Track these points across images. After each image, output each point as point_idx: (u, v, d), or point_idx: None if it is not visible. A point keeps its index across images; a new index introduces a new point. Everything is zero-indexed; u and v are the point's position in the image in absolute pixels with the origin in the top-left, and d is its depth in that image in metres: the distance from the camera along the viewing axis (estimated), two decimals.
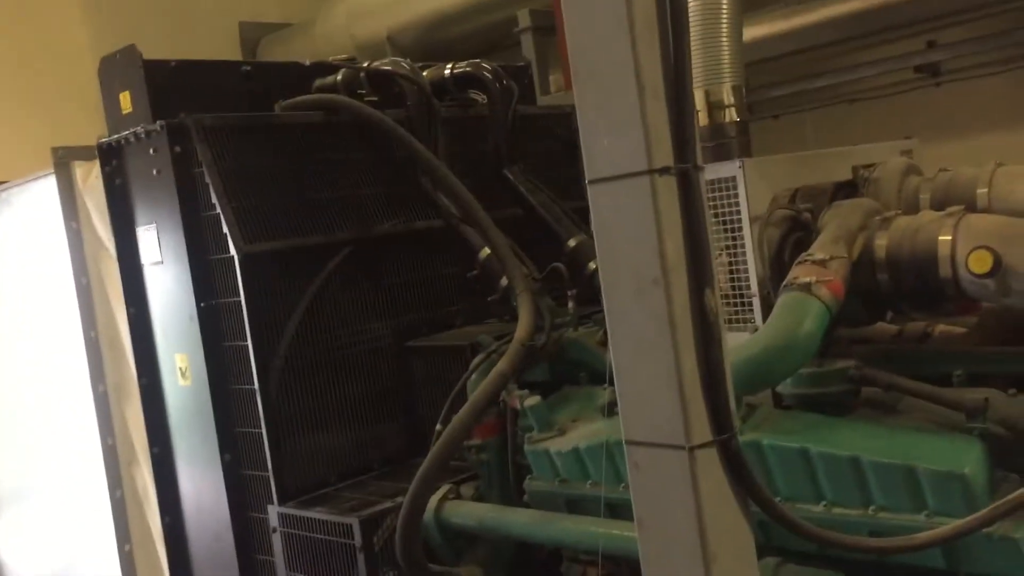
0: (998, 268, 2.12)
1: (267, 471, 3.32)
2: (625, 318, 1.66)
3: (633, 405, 1.68)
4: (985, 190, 2.52)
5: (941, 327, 2.74)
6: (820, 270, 2.29)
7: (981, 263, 2.12)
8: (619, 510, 2.54)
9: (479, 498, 3.13)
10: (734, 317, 2.66)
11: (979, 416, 2.11)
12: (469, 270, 3.67)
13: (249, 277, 3.28)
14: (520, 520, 2.86)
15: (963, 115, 5.81)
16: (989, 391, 2.22)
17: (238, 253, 3.23)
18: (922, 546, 1.89)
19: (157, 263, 3.51)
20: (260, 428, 3.31)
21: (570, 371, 3.24)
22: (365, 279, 3.61)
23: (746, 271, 2.60)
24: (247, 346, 3.28)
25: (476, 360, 3.22)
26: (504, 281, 3.47)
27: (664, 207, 1.58)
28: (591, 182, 1.68)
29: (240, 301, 3.28)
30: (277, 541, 3.32)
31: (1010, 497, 1.86)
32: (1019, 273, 2.13)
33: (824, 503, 2.24)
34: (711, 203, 2.67)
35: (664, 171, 1.59)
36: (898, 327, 2.82)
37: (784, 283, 2.31)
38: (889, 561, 2.23)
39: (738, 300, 2.64)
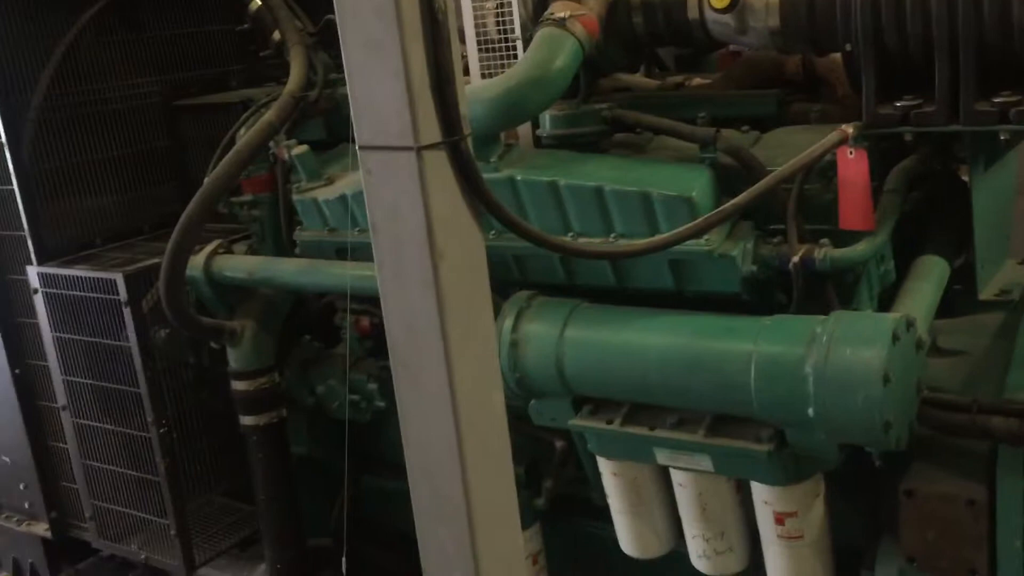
0: (736, 3, 2.20)
1: (23, 230, 3.16)
2: (355, 19, 1.62)
3: (364, 109, 1.67)
4: None
5: (697, 80, 2.85)
6: (575, 5, 2.31)
7: None
8: None
9: (252, 254, 3.11)
10: (501, 62, 2.66)
11: (709, 147, 2.24)
12: (241, 24, 3.48)
13: None
14: (288, 269, 2.87)
15: None
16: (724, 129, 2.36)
17: None
18: (643, 251, 2.03)
19: None
20: (11, 185, 3.12)
21: (346, 128, 3.18)
22: (127, 30, 3.37)
23: (511, 15, 2.58)
24: None
25: (245, 114, 3.12)
26: (277, 35, 3.31)
27: None
28: None
29: None
30: (39, 302, 3.21)
31: (719, 209, 2.02)
32: (755, 9, 2.22)
33: (572, 234, 2.35)
34: None
35: None
36: (658, 81, 2.92)
37: (541, 17, 2.32)
38: (628, 288, 2.40)
39: (504, 44, 2.63)
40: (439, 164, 1.66)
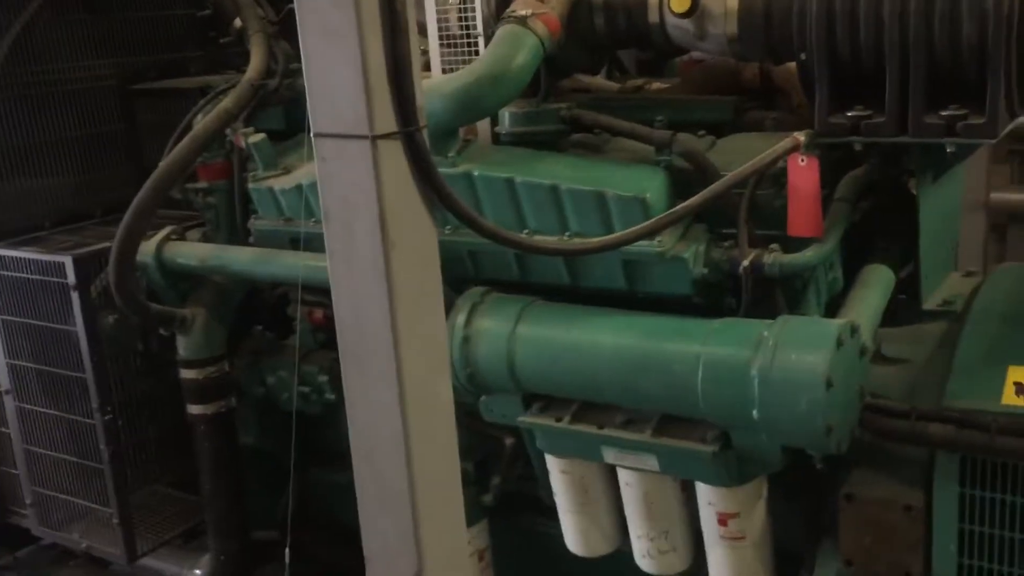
0: (695, 8, 2.22)
1: None
2: (313, 6, 1.62)
3: (320, 97, 1.66)
4: None
5: (656, 84, 2.88)
6: (537, 3, 2.32)
7: (680, 3, 2.21)
8: None
9: (206, 241, 3.08)
10: (462, 58, 2.66)
11: (665, 149, 2.26)
12: (202, 10, 3.45)
13: None
14: (240, 258, 2.85)
15: None
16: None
17: None
18: (596, 249, 2.05)
19: None
20: None
21: (305, 118, 3.17)
22: (85, 10, 3.32)
23: (474, 11, 2.59)
24: None
25: (203, 100, 3.09)
26: (238, 22, 3.29)
27: None
28: None
29: None
30: None
31: (671, 211, 2.04)
32: (714, 16, 2.24)
33: (527, 231, 2.36)
34: None
35: None
36: (618, 84, 2.94)
37: (503, 14, 2.33)
38: (581, 287, 2.41)
39: (465, 40, 2.63)
40: (394, 154, 1.66)
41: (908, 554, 2.17)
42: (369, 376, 1.74)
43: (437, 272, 1.77)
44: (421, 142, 1.67)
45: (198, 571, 3.25)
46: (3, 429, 3.36)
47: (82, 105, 3.33)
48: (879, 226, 2.43)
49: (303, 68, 1.66)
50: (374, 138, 1.62)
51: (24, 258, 3.04)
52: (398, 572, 1.80)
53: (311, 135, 1.69)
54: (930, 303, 2.46)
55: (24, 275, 3.06)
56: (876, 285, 2.31)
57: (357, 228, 1.68)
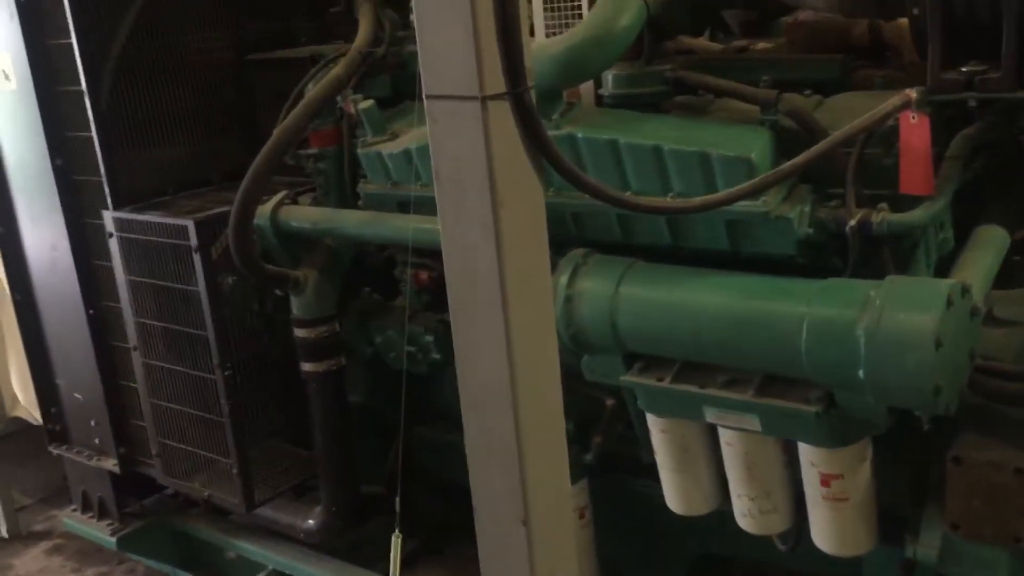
0: None
1: (100, 176, 3.28)
2: None
3: (433, 59, 1.72)
4: None
5: (761, 45, 2.85)
6: None
7: None
8: None
9: (317, 205, 3.19)
10: (566, 21, 2.69)
11: (770, 109, 2.25)
12: None
13: None
14: (351, 220, 2.95)
15: None
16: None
17: None
18: (698, 208, 2.06)
19: None
20: (91, 132, 3.24)
21: (413, 86, 3.24)
22: None
23: None
24: (71, 44, 3.14)
25: (314, 69, 3.19)
26: None
27: None
28: None
29: None
30: (114, 246, 3.34)
31: (776, 170, 2.04)
32: None
33: (630, 192, 2.39)
34: None
35: None
36: (722, 45, 2.93)
37: None
38: (683, 248, 2.43)
39: (569, 3, 2.66)
40: (503, 114, 1.70)
41: (1017, 518, 2.14)
42: (478, 330, 1.80)
43: (543, 230, 1.81)
44: (529, 102, 1.71)
45: (311, 521, 3.41)
46: (132, 384, 3.57)
47: (201, 77, 3.49)
48: (993, 186, 2.38)
49: (416, 32, 1.72)
50: (484, 99, 1.67)
51: (150, 221, 3.21)
52: (504, 520, 1.87)
53: (422, 99, 1.75)
54: None
55: (150, 238, 3.23)
56: (989, 246, 2.26)
57: (467, 187, 1.74)
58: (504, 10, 1.65)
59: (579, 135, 2.40)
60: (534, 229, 1.79)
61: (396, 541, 2.41)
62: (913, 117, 2.05)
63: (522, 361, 1.79)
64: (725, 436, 2.47)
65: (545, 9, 2.64)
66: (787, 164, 2.06)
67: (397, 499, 2.46)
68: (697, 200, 2.06)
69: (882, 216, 2.13)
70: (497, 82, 1.68)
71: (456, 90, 1.70)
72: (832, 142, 2.06)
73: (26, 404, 4.16)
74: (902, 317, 1.98)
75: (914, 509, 2.38)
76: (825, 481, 2.34)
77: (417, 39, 1.72)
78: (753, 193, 2.06)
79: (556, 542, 1.92)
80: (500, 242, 1.72)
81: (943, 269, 2.28)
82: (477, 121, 1.68)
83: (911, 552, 2.33)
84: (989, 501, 2.16)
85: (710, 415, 2.39)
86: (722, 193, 2.06)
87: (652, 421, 2.58)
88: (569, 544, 1.96)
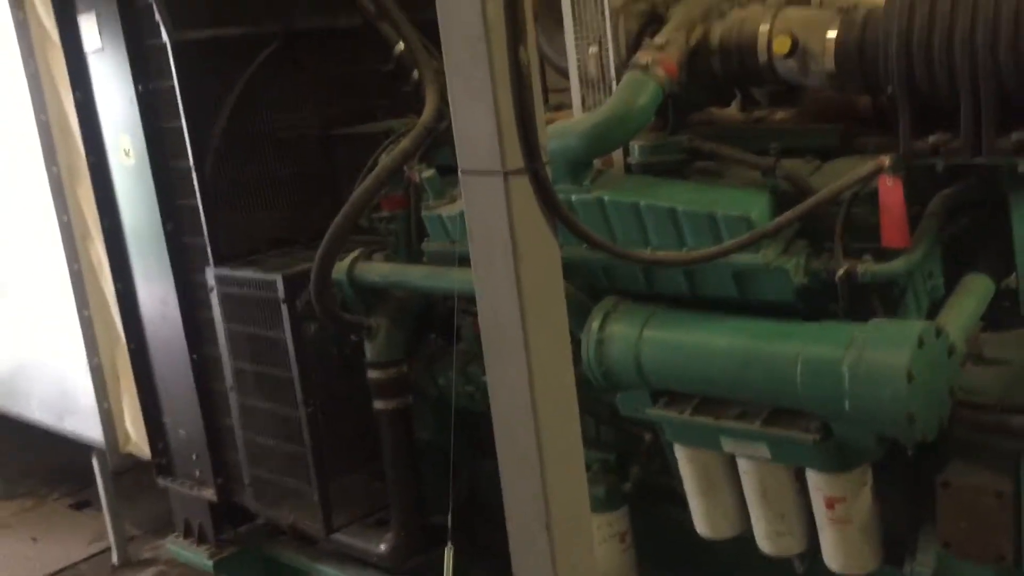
0: (795, 49, 2.53)
1: (203, 237, 3.77)
2: (460, 69, 2.07)
3: (464, 140, 2.11)
4: None
5: (780, 114, 3.17)
6: (657, 53, 2.70)
7: (782, 45, 2.53)
8: None
9: (388, 261, 3.61)
10: (600, 97, 3.06)
11: (770, 173, 2.58)
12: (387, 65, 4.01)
13: (182, 64, 3.63)
14: (416, 274, 3.36)
15: None
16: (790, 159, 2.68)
17: (170, 40, 3.56)
18: (702, 259, 2.40)
19: (98, 50, 3.83)
20: (196, 200, 3.74)
21: None
22: (293, 71, 3.96)
23: (608, 59, 2.99)
24: (181, 127, 3.66)
25: (386, 142, 3.64)
26: (416, 74, 3.83)
27: None
28: None
29: (174, 85, 3.63)
30: (214, 299, 3.81)
31: (767, 224, 2.36)
32: (814, 54, 2.55)
33: (650, 247, 2.73)
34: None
35: None
36: (744, 115, 3.25)
37: (629, 62, 2.72)
38: (699, 296, 2.75)
39: (602, 83, 3.04)
40: (522, 185, 2.08)
41: (1000, 537, 2.37)
42: (506, 364, 2.16)
43: (559, 280, 2.17)
44: (544, 176, 2.08)
45: (383, 545, 3.76)
46: (228, 421, 4.01)
47: (291, 150, 3.95)
48: (981, 239, 2.64)
49: (451, 117, 2.11)
50: (506, 174, 2.05)
51: (244, 277, 3.67)
52: (531, 524, 2.21)
53: (460, 172, 2.14)
54: None
55: (245, 291, 3.70)
56: (972, 292, 2.52)
57: (495, 245, 2.11)
58: (521, 99, 2.04)
59: (606, 198, 2.75)
60: (550, 279, 2.16)
61: (448, 553, 2.75)
62: (889, 181, 2.35)
63: (542, 390, 2.14)
64: (742, 464, 2.76)
65: (582, 86, 3.01)
66: (777, 219, 2.38)
67: (449, 515, 2.80)
68: (697, 252, 2.40)
69: (866, 267, 2.42)
70: (516, 158, 2.07)
71: (483, 165, 2.09)
72: (816, 200, 2.37)
73: (137, 440, 4.65)
74: (879, 355, 2.27)
75: (912, 531, 2.62)
76: (830, 504, 2.60)
77: (452, 123, 2.12)
78: (749, 245, 2.37)
79: (576, 545, 2.25)
80: (521, 290, 2.09)
81: (935, 313, 2.55)
82: (500, 192, 2.07)
83: (909, 571, 2.57)
84: (974, 522, 2.39)
85: (726, 445, 2.69)
86: (719, 246, 2.39)
87: (679, 450, 2.88)
88: (588, 547, 2.29)
